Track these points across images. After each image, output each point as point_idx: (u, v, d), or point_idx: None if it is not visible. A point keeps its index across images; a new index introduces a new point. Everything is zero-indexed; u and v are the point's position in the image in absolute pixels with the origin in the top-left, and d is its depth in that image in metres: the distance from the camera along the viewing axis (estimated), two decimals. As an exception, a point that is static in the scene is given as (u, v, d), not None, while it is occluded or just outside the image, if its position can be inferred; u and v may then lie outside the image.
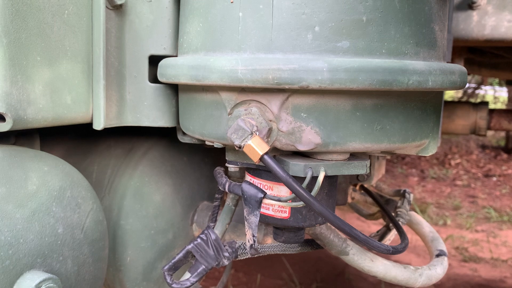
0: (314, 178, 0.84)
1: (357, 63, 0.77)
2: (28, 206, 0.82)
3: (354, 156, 0.93)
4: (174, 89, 1.06)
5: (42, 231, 0.83)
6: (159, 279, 1.20)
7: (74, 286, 0.89)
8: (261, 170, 0.94)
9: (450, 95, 8.95)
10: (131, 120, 1.05)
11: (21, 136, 0.97)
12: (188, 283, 0.99)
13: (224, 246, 1.02)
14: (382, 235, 1.31)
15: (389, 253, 0.96)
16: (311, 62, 0.76)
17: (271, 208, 0.94)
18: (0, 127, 0.82)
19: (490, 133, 8.05)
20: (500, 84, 8.61)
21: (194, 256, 1.01)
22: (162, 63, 0.99)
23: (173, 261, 1.00)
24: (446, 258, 1.22)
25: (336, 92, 0.80)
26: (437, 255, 1.23)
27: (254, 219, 0.89)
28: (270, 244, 1.07)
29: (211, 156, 1.35)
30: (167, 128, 1.11)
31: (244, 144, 0.80)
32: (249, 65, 0.79)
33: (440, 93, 0.97)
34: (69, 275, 0.87)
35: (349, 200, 1.54)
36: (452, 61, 1.87)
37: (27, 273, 0.79)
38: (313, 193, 0.83)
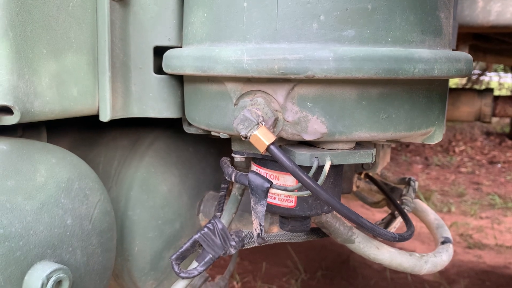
0: (320, 168, 0.85)
1: (362, 52, 0.77)
2: (37, 198, 0.83)
3: (359, 145, 0.93)
4: (180, 80, 1.06)
5: (52, 223, 0.84)
6: (166, 269, 1.21)
7: (83, 276, 0.90)
8: (267, 160, 0.94)
9: (454, 81, 8.89)
10: (137, 111, 1.05)
11: (28, 129, 0.97)
12: (196, 272, 1.00)
13: (231, 235, 1.03)
14: (387, 223, 1.32)
15: (395, 240, 0.96)
16: (316, 52, 0.76)
17: (277, 198, 0.95)
18: (8, 120, 0.83)
19: (494, 119, 8.01)
20: (505, 70, 8.54)
21: (201, 245, 1.02)
22: (167, 54, 0.99)
23: (180, 250, 1.01)
24: (451, 245, 1.23)
25: (342, 81, 0.80)
26: (442, 242, 1.24)
27: (261, 209, 0.89)
28: (276, 233, 1.08)
29: (216, 147, 1.35)
30: (173, 119, 1.11)
31: (250, 135, 0.81)
32: (255, 55, 0.79)
33: (446, 81, 0.97)
34: (78, 265, 0.88)
35: (354, 188, 1.54)
36: (457, 48, 1.86)
37: (37, 263, 0.80)
38: (319, 182, 0.83)
